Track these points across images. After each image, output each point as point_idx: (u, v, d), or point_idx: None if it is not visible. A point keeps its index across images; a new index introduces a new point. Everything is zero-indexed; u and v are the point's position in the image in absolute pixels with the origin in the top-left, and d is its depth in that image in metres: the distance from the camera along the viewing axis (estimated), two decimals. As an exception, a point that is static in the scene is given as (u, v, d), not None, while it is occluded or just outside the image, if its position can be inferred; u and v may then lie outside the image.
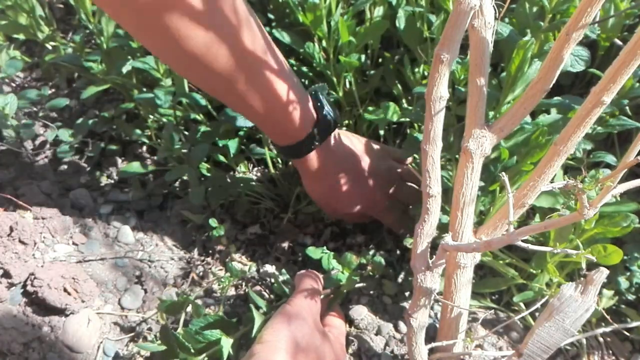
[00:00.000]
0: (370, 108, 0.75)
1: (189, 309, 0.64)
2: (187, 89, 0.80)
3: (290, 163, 0.84)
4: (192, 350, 0.55)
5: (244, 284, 0.74)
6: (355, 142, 0.72)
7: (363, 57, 0.78)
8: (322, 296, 0.63)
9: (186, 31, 0.51)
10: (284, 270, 0.71)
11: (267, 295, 0.72)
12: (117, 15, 0.54)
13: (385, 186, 0.73)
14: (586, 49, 0.58)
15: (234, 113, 0.76)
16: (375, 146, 0.74)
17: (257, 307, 0.61)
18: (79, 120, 0.91)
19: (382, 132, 0.83)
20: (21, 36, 0.92)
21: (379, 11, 0.77)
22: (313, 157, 0.66)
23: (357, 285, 0.70)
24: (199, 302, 0.71)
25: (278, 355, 0.49)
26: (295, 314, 0.55)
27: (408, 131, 0.79)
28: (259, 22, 0.57)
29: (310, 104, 0.65)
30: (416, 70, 0.75)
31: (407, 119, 0.74)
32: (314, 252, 0.68)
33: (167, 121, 0.84)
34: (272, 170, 0.82)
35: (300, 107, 0.62)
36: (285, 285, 0.66)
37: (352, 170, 0.70)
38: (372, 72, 0.82)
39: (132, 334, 0.68)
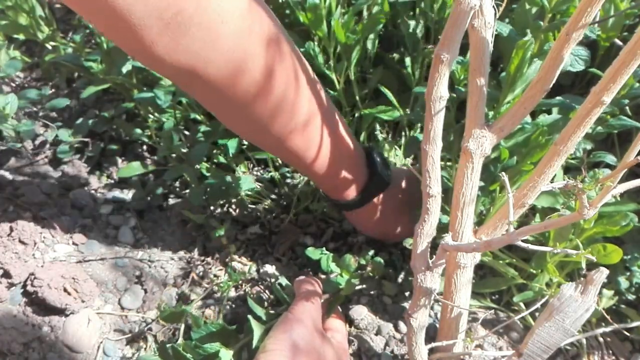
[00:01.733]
0: (366, 111, 0.75)
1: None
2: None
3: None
4: None
5: (244, 284, 0.74)
6: (398, 178, 0.71)
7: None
8: (322, 300, 0.63)
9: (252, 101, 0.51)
10: (283, 277, 0.71)
11: (266, 296, 0.72)
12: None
13: None
14: (586, 48, 0.58)
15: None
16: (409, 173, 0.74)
17: (256, 317, 0.61)
18: (79, 120, 0.91)
19: (378, 132, 0.83)
20: (21, 36, 0.92)
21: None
22: (366, 209, 0.68)
23: (357, 287, 0.70)
24: (200, 303, 0.71)
25: None
26: (297, 320, 0.55)
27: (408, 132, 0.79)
28: (311, 73, 0.56)
29: (363, 162, 0.65)
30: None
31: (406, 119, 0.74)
32: (313, 252, 0.68)
33: (167, 121, 0.84)
34: (273, 171, 0.82)
35: (355, 166, 0.63)
36: (284, 291, 0.66)
37: (400, 209, 0.71)
38: (371, 71, 0.82)
39: (132, 334, 0.68)
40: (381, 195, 0.68)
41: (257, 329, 0.58)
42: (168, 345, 0.56)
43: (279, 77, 0.51)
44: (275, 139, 0.56)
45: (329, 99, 0.59)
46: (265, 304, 0.71)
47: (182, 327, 0.63)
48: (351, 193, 0.66)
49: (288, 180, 0.81)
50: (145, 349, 0.67)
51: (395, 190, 0.70)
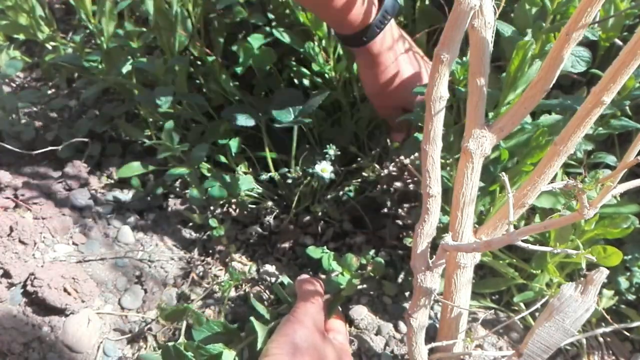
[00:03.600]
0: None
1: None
2: (187, 89, 0.80)
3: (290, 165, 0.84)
4: None
5: (244, 283, 0.74)
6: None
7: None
8: (323, 300, 0.63)
9: None
10: (284, 276, 0.71)
11: (266, 296, 0.72)
12: None
13: None
14: (587, 49, 0.58)
15: (234, 112, 0.76)
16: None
17: (259, 317, 0.61)
18: (79, 120, 0.91)
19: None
20: (21, 36, 0.92)
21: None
22: (374, 45, 0.67)
23: (357, 287, 0.70)
24: (200, 303, 0.71)
25: None
26: (299, 323, 0.56)
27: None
28: None
29: None
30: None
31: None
32: (314, 251, 0.68)
33: (167, 121, 0.84)
34: (273, 171, 0.82)
35: None
36: (285, 290, 0.66)
37: (410, 58, 0.70)
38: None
39: (132, 334, 0.68)
40: (390, 30, 0.67)
41: (260, 330, 0.58)
42: (170, 344, 0.56)
43: None
44: None
45: None
46: (266, 303, 0.71)
47: (184, 325, 0.63)
48: (364, 20, 0.65)
49: (288, 181, 0.81)
50: (145, 349, 0.67)
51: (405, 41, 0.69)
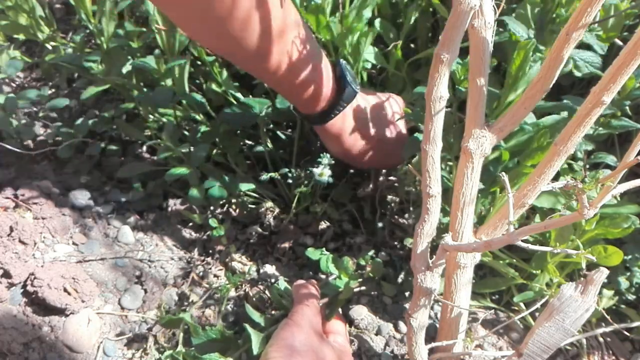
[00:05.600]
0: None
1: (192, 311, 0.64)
2: (187, 89, 0.80)
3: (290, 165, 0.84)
4: None
5: (244, 284, 0.74)
6: (371, 100, 0.73)
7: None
8: (321, 304, 0.63)
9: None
10: (282, 279, 0.71)
11: (267, 297, 0.72)
12: None
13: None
14: (597, 55, 0.58)
15: (234, 113, 0.76)
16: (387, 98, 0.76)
17: (254, 324, 0.61)
18: (79, 120, 0.91)
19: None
20: (21, 36, 0.92)
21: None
22: (335, 123, 0.68)
23: (356, 289, 0.70)
24: (200, 303, 0.71)
25: None
26: (297, 326, 0.56)
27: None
28: None
29: (331, 75, 0.66)
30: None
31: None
32: (313, 253, 0.68)
33: (167, 121, 0.84)
34: (272, 171, 0.81)
35: (324, 77, 0.64)
36: (282, 295, 0.66)
37: (371, 128, 0.72)
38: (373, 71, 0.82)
39: (132, 334, 0.68)
40: (349, 110, 0.68)
41: (255, 337, 0.58)
42: (167, 354, 0.56)
43: None
44: (249, 53, 0.58)
45: (297, 13, 0.60)
46: (266, 304, 0.71)
47: (181, 334, 0.63)
48: (321, 105, 0.67)
49: (288, 181, 0.81)
50: (145, 349, 0.67)
51: (362, 107, 0.71)
